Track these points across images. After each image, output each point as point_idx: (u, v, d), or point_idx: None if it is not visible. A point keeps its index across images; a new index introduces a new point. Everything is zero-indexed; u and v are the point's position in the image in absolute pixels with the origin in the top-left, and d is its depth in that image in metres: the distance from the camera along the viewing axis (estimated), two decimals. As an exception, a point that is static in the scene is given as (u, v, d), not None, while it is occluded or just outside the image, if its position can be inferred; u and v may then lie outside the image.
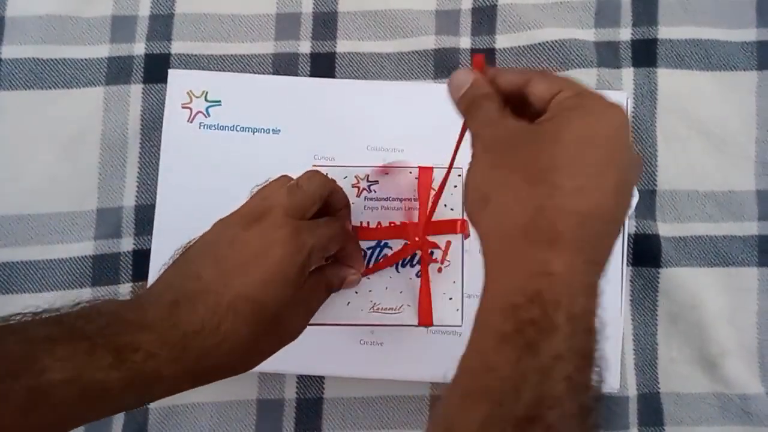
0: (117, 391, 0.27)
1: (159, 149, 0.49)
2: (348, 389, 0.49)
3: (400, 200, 0.40)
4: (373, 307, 0.39)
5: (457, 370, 0.26)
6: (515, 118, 0.29)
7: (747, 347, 0.50)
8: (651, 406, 0.49)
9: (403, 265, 0.39)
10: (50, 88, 0.52)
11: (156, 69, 0.52)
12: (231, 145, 0.48)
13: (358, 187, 0.40)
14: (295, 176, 0.36)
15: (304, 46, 0.53)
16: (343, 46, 0.53)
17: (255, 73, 0.52)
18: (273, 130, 0.49)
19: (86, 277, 0.50)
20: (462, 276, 0.39)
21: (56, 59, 0.53)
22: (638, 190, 0.51)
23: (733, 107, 0.52)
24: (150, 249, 0.48)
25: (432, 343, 0.45)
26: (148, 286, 0.32)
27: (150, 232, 0.49)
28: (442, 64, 0.53)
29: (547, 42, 0.52)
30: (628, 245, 0.51)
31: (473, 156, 0.30)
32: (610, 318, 0.41)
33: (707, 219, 0.51)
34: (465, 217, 0.40)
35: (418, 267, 0.39)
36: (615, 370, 0.46)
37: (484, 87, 0.31)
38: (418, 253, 0.39)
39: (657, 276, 0.50)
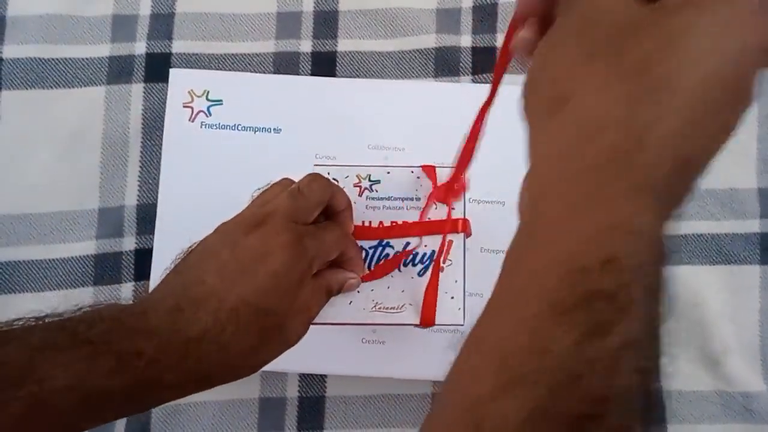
0: (119, 397, 0.27)
1: (160, 148, 0.49)
2: (350, 388, 0.49)
3: (402, 200, 0.40)
4: (374, 306, 0.39)
5: (477, 347, 0.20)
6: None
7: (749, 345, 0.50)
8: (653, 404, 0.49)
9: (405, 264, 0.39)
10: (51, 87, 0.52)
11: (157, 68, 0.52)
12: (232, 145, 0.48)
13: (360, 187, 0.40)
14: (296, 178, 0.36)
15: (305, 45, 0.53)
16: (344, 45, 0.53)
17: (256, 72, 0.52)
18: (274, 129, 0.49)
19: (88, 276, 0.50)
20: (464, 275, 0.39)
21: (57, 59, 0.53)
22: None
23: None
24: (152, 248, 0.48)
25: (434, 342, 0.45)
26: (150, 290, 0.32)
27: (152, 231, 0.49)
28: (443, 63, 0.52)
29: (548, 40, 0.52)
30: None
31: (551, 38, 0.22)
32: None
33: (709, 217, 0.51)
34: (466, 217, 0.40)
35: (420, 266, 0.39)
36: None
37: None
38: (420, 252, 0.39)
39: (659, 274, 0.50)
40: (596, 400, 0.18)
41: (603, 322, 0.18)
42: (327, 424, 0.48)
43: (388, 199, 0.40)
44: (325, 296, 0.36)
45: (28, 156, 0.52)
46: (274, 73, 0.52)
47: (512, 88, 0.51)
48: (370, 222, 0.40)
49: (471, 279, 0.40)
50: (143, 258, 0.50)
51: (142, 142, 0.52)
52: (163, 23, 0.53)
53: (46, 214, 0.51)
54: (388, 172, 0.40)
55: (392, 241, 0.39)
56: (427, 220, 0.40)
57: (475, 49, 0.53)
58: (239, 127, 0.49)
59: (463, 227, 0.39)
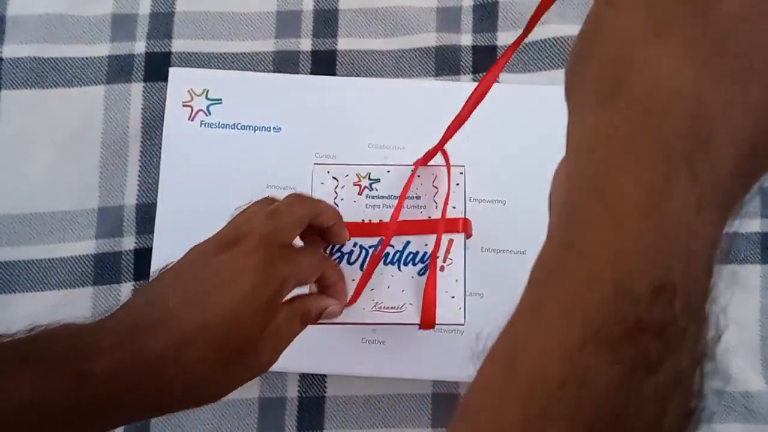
0: (77, 418, 0.26)
1: (160, 147, 0.49)
2: (350, 388, 0.49)
3: (402, 198, 0.40)
4: (375, 305, 0.39)
5: (503, 368, 0.18)
6: None
7: (749, 344, 0.50)
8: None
9: (405, 264, 0.39)
10: (51, 87, 0.52)
11: (157, 67, 0.52)
12: (232, 144, 0.48)
13: (360, 185, 0.40)
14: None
15: (305, 44, 0.53)
16: (343, 43, 0.53)
17: (256, 71, 0.52)
18: (274, 128, 0.49)
19: (88, 276, 0.50)
20: (464, 274, 0.39)
21: (57, 58, 0.53)
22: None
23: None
24: (152, 247, 0.48)
25: (434, 342, 0.45)
26: (112, 311, 0.30)
27: (152, 231, 0.49)
28: (443, 62, 0.52)
29: (549, 39, 0.52)
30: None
31: None
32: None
33: (710, 216, 0.51)
34: (467, 216, 0.40)
35: (420, 265, 0.39)
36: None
37: None
38: (420, 251, 0.39)
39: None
40: None
41: (651, 357, 0.16)
42: (327, 424, 0.48)
43: (388, 197, 0.40)
44: (300, 323, 0.34)
45: (27, 155, 0.52)
46: (274, 72, 0.52)
47: (512, 87, 0.51)
48: (369, 220, 0.40)
49: (471, 278, 0.40)
50: (143, 257, 0.50)
51: (141, 142, 0.52)
52: (162, 22, 0.53)
53: (46, 214, 0.51)
54: (388, 171, 0.40)
55: (392, 241, 0.39)
56: (419, 207, 0.39)
57: (475, 48, 0.53)
58: (239, 126, 0.49)
59: (464, 227, 0.39)
